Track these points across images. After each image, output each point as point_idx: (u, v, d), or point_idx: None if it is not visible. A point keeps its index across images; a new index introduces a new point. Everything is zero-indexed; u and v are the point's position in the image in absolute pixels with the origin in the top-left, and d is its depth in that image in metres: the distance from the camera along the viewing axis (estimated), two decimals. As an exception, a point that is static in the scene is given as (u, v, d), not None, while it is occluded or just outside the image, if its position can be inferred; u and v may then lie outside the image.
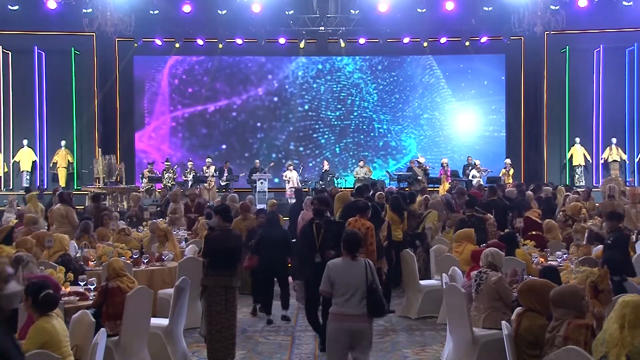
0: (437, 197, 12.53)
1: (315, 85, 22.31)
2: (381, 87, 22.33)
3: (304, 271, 7.53)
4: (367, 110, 22.30)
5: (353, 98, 22.30)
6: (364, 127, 22.29)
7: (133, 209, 13.34)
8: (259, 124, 22.23)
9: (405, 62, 22.32)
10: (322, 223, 7.41)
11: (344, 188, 17.18)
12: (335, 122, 22.27)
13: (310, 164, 22.09)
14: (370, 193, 11.78)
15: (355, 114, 22.30)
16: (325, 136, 22.30)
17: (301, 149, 22.22)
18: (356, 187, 12.67)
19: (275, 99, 22.26)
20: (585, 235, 8.97)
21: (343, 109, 22.28)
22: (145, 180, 19.13)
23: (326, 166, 20.07)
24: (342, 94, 22.33)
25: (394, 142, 22.27)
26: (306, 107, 22.30)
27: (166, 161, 19.69)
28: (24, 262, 6.05)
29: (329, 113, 22.27)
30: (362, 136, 22.31)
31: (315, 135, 22.29)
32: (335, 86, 22.32)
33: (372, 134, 22.30)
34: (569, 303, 4.57)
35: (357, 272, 5.58)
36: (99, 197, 12.73)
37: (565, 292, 4.67)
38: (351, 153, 22.24)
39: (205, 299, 6.77)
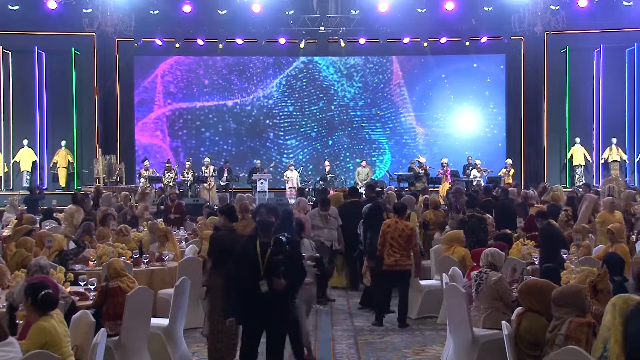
0: (408, 195, 12.30)
1: (316, 86, 22.34)
2: (381, 86, 22.33)
3: (240, 304, 5.71)
4: (369, 110, 22.31)
5: (339, 96, 22.32)
6: (360, 125, 22.32)
7: (127, 209, 13.29)
8: (260, 124, 22.25)
9: (405, 62, 22.33)
10: (270, 241, 5.65)
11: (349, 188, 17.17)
12: (320, 116, 22.30)
13: (310, 166, 22.12)
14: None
15: (348, 112, 22.34)
16: (315, 131, 22.36)
17: (301, 148, 22.28)
18: (350, 188, 12.63)
19: (276, 97, 22.27)
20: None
21: (330, 107, 22.32)
22: (143, 180, 19.13)
23: (327, 166, 20.09)
24: (342, 94, 22.36)
25: (393, 142, 22.28)
26: (305, 106, 22.34)
27: (167, 162, 19.72)
28: (40, 267, 6.09)
29: (316, 112, 22.34)
30: (354, 132, 22.32)
31: (314, 134, 22.35)
32: (333, 86, 22.35)
33: (370, 133, 22.31)
34: (572, 302, 4.58)
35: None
36: (86, 197, 12.80)
37: (567, 292, 4.68)
38: (345, 145, 22.28)
39: (210, 299, 6.77)
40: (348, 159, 22.06)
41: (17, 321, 5.53)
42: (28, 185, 19.36)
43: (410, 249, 8.41)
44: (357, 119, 22.31)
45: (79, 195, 12.22)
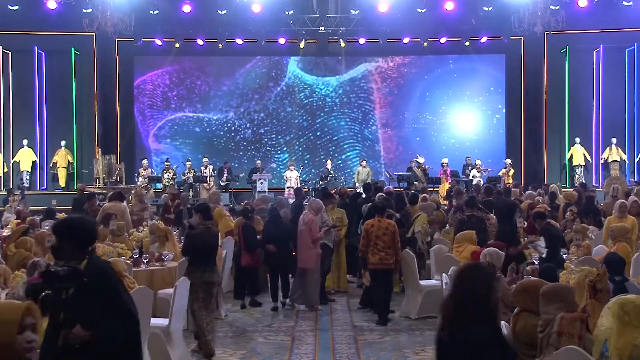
0: (428, 200, 12.48)
1: (318, 86, 22.35)
2: (380, 87, 22.32)
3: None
4: (369, 110, 22.32)
5: (332, 95, 22.36)
6: (358, 124, 22.32)
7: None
8: (260, 124, 22.24)
9: (405, 62, 22.33)
10: (56, 283, 3.44)
11: (352, 188, 17.21)
12: (308, 104, 22.34)
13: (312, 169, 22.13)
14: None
15: (349, 115, 22.35)
16: (304, 119, 22.40)
17: (301, 151, 22.29)
18: (362, 186, 12.64)
19: (277, 97, 22.27)
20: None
21: (325, 105, 22.37)
22: (141, 179, 19.11)
23: (329, 165, 20.08)
24: (342, 96, 22.37)
25: (391, 141, 22.28)
26: (310, 106, 22.35)
27: (166, 161, 19.71)
28: (40, 267, 6.06)
29: (305, 100, 22.40)
30: (355, 135, 22.31)
31: (319, 139, 22.35)
32: (332, 88, 22.35)
33: (371, 134, 22.31)
34: (560, 299, 4.59)
35: None
36: (94, 196, 12.86)
37: (556, 289, 4.71)
38: (335, 138, 22.31)
39: (192, 295, 6.94)
40: (343, 156, 22.04)
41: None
42: (27, 185, 19.35)
43: (393, 247, 8.50)
44: (353, 117, 22.30)
45: (122, 192, 12.44)
